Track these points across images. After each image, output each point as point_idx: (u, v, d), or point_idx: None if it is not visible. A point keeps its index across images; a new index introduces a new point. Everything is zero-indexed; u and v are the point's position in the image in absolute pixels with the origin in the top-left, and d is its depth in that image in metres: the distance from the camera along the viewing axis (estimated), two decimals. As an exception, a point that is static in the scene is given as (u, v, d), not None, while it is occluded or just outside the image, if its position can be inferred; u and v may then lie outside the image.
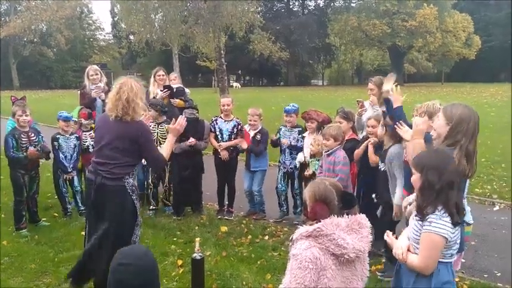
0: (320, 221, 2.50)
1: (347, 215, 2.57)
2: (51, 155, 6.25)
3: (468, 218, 3.50)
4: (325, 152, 5.20)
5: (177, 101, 7.02)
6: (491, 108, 20.99)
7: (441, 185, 2.61)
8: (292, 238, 2.56)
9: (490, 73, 54.00)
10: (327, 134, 5.11)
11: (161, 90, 7.10)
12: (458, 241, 2.72)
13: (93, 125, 6.83)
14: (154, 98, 7.07)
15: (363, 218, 2.61)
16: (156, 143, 6.37)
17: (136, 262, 2.15)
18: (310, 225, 2.52)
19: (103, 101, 7.21)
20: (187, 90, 7.54)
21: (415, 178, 2.76)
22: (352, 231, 2.52)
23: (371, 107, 5.97)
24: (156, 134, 6.43)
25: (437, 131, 3.23)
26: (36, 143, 5.90)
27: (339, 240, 2.43)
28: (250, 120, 6.48)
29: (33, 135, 5.90)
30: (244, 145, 6.48)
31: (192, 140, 6.37)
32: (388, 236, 2.92)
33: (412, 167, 2.83)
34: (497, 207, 7.14)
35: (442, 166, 2.65)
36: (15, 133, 5.75)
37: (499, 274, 4.83)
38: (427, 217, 2.63)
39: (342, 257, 2.45)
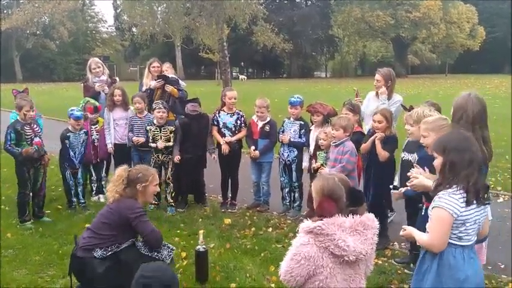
0: (323, 218, 2.48)
1: (354, 213, 2.53)
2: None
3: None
4: (333, 143, 5.20)
5: (170, 88, 6.93)
6: (495, 100, 20.86)
7: (462, 164, 2.60)
8: (297, 230, 2.58)
9: (494, 64, 53.72)
10: (337, 124, 5.14)
11: (155, 80, 7.05)
12: (472, 224, 2.66)
13: (99, 119, 6.83)
14: (148, 89, 7.01)
15: (369, 219, 2.57)
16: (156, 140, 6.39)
17: (158, 274, 2.41)
18: (314, 221, 2.51)
19: (106, 94, 7.21)
20: (182, 82, 7.48)
21: (437, 162, 2.74)
22: (356, 233, 2.50)
23: (376, 98, 5.93)
24: (159, 137, 6.40)
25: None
26: (40, 133, 5.94)
27: (339, 241, 2.43)
28: (258, 112, 6.42)
29: (36, 126, 5.94)
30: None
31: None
32: (405, 229, 2.92)
33: (433, 152, 2.82)
34: (501, 199, 7.12)
35: (464, 146, 2.65)
36: (18, 126, 5.75)
37: (503, 266, 4.82)
38: (438, 193, 2.63)
39: (342, 258, 2.46)
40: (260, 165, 6.54)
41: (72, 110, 6.30)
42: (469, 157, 2.60)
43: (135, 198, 3.96)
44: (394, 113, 5.65)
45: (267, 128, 6.40)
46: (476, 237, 2.78)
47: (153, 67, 7.28)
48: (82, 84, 7.51)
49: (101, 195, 6.95)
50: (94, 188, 6.90)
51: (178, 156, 6.40)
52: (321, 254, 2.44)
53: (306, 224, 2.52)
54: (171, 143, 6.41)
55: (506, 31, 51.74)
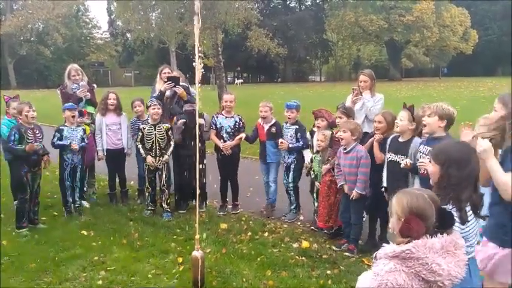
0: (411, 241, 2.15)
1: (441, 234, 2.18)
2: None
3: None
4: (343, 149, 5.21)
5: (180, 90, 6.83)
6: (489, 102, 20.98)
7: (459, 179, 2.52)
8: (375, 255, 2.24)
9: (487, 67, 54.02)
10: (344, 126, 5.16)
11: (165, 82, 7.01)
12: (474, 237, 2.63)
13: (86, 126, 6.75)
14: (160, 93, 6.96)
15: (458, 237, 2.26)
16: (155, 144, 6.36)
17: None
18: (398, 243, 2.19)
19: (88, 100, 7.21)
20: (193, 90, 7.45)
21: (434, 170, 2.64)
22: (448, 254, 2.15)
23: (372, 98, 6.01)
24: (153, 135, 6.36)
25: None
26: (41, 139, 5.95)
27: (433, 265, 2.09)
28: (261, 112, 6.49)
29: (37, 131, 5.95)
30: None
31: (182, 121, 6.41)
32: None
33: (431, 158, 2.70)
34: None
35: (465, 160, 2.56)
36: (21, 128, 5.77)
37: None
38: None
39: (434, 284, 2.12)
40: (268, 165, 6.59)
41: (65, 105, 6.34)
42: (467, 173, 2.53)
43: None
44: (378, 110, 5.78)
45: (273, 129, 6.46)
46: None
47: (164, 73, 7.23)
48: (59, 91, 7.44)
49: (83, 201, 6.89)
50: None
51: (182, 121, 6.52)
52: (410, 282, 2.10)
53: (390, 248, 2.16)
54: (170, 149, 6.42)
55: (501, 34, 52.01)
